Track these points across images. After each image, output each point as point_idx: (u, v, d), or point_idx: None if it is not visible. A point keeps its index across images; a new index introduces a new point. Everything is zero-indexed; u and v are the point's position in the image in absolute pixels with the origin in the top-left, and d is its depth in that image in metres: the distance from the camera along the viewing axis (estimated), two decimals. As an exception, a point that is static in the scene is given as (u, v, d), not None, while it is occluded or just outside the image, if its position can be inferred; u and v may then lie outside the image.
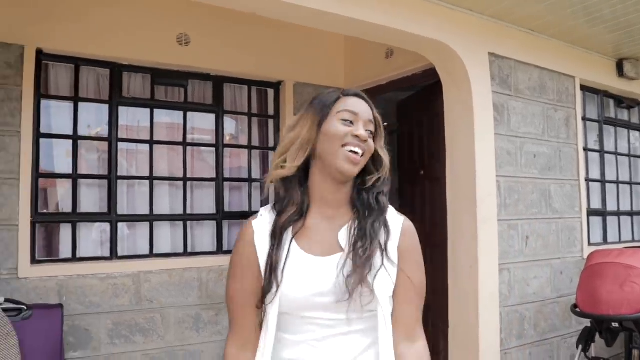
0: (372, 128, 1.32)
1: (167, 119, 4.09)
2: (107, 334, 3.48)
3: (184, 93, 4.02)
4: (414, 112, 4.50)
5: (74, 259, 3.53)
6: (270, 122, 4.44)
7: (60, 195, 3.64)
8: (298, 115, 1.37)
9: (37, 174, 3.41)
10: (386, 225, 1.31)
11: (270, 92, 4.45)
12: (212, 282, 3.85)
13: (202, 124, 4.22)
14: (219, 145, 4.13)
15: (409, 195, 4.54)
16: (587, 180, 4.46)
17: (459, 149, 3.56)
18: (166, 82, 3.92)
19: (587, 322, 3.50)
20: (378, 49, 4.23)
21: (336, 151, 1.25)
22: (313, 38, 4.20)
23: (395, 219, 1.35)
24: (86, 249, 3.64)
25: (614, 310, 3.15)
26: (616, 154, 4.90)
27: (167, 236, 3.95)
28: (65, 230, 3.57)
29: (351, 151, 1.25)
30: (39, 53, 3.41)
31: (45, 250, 3.55)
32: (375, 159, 1.34)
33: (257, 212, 1.35)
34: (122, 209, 3.77)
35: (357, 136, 1.26)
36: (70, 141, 3.59)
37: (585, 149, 4.45)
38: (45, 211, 3.55)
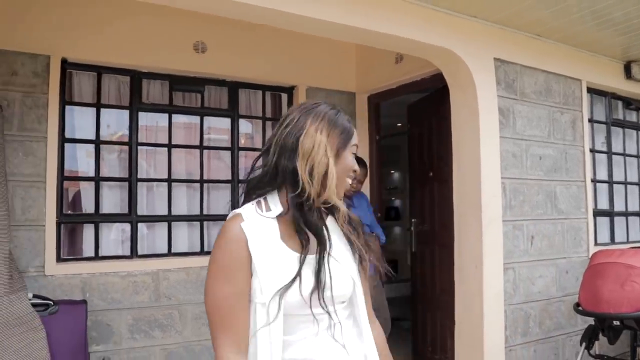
0: None
1: (184, 123, 4.26)
2: (128, 329, 3.65)
3: (201, 98, 4.18)
4: (424, 115, 4.62)
5: (97, 257, 3.71)
6: (284, 126, 4.55)
7: (84, 197, 3.82)
8: (311, 127, 1.31)
9: (62, 177, 3.60)
10: (350, 223, 1.42)
11: (284, 97, 4.59)
12: (228, 280, 3.98)
13: (218, 127, 4.38)
14: (234, 148, 4.28)
15: (419, 195, 4.66)
16: (594, 181, 4.53)
17: (464, 152, 3.67)
18: (184, 88, 4.08)
19: (592, 321, 3.58)
20: (388, 54, 4.36)
21: (343, 181, 1.36)
22: (325, 44, 4.32)
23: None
24: (108, 248, 3.83)
25: (614, 308, 3.24)
26: (624, 155, 4.96)
27: (185, 236, 4.11)
28: (88, 230, 3.75)
29: (349, 182, 1.38)
30: (64, 62, 3.59)
31: (69, 249, 3.72)
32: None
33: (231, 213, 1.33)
34: (142, 209, 3.94)
35: (355, 171, 1.38)
36: (93, 145, 3.77)
37: (592, 151, 4.53)
38: (69, 212, 3.73)
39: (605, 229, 4.71)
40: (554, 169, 4.07)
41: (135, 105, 3.90)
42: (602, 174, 4.73)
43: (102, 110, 3.82)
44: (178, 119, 4.17)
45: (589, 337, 3.58)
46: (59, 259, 3.52)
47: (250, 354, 1.23)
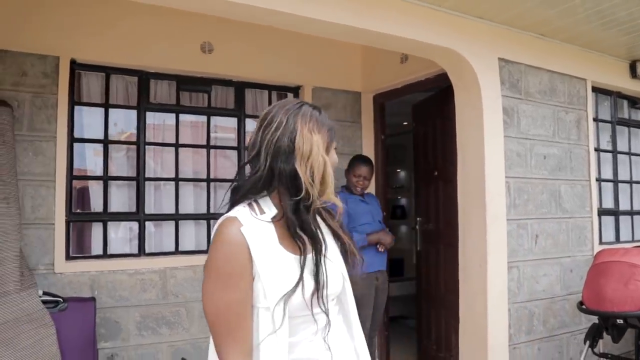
0: None
1: (191, 122, 4.30)
2: (136, 326, 3.69)
3: (208, 98, 4.22)
4: (428, 114, 4.64)
5: (105, 255, 3.76)
6: (290, 125, 4.59)
7: (92, 196, 3.88)
8: (300, 122, 1.32)
9: (71, 176, 3.66)
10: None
11: (290, 96, 4.62)
12: (234, 278, 4.03)
13: (224, 127, 4.42)
14: (240, 147, 4.32)
15: (424, 194, 4.68)
16: (599, 180, 4.54)
17: (469, 151, 3.70)
18: (190, 88, 4.12)
19: (596, 319, 3.58)
20: (393, 54, 4.38)
21: (333, 180, 1.37)
22: (331, 44, 4.34)
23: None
24: (116, 246, 3.88)
25: (617, 307, 3.26)
26: (629, 154, 4.97)
27: (192, 234, 4.16)
28: (96, 229, 3.80)
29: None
30: (73, 63, 3.64)
31: (78, 247, 3.78)
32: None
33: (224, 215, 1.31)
34: (150, 208, 3.98)
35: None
36: (102, 145, 3.83)
37: (597, 150, 4.54)
38: (78, 211, 3.79)
39: (611, 227, 4.72)
40: (559, 168, 4.08)
41: (143, 105, 3.95)
42: (608, 173, 4.74)
43: (110, 110, 3.87)
44: (185, 118, 4.21)
45: (593, 336, 3.59)
46: (68, 257, 3.58)
47: (256, 358, 1.22)
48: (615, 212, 4.73)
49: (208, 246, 4.05)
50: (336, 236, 1.43)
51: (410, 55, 4.25)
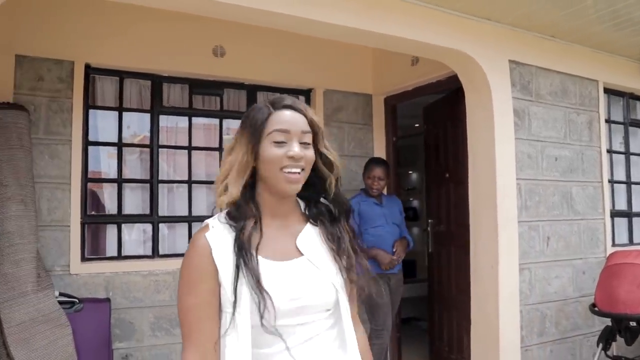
0: (308, 139, 1.32)
1: (204, 125, 4.34)
2: (150, 327, 3.73)
3: (220, 101, 4.26)
4: (439, 116, 4.65)
5: (119, 257, 3.81)
6: (301, 128, 4.63)
7: (107, 198, 3.93)
8: (235, 136, 1.35)
9: (86, 179, 3.71)
10: (345, 229, 1.40)
11: (301, 99, 4.63)
12: (246, 280, 4.06)
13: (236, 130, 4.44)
14: (252, 150, 4.34)
15: (435, 196, 4.69)
16: (611, 182, 4.52)
17: (479, 153, 3.70)
18: (203, 92, 4.17)
19: (609, 322, 3.57)
20: (404, 57, 4.39)
21: (275, 175, 1.28)
22: (342, 47, 4.37)
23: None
24: (130, 248, 3.93)
25: (631, 309, 3.25)
26: (643, 155, 4.93)
27: (205, 236, 4.18)
28: (111, 231, 3.86)
29: (289, 172, 1.27)
30: (87, 67, 3.70)
31: (93, 249, 3.83)
32: (324, 161, 1.36)
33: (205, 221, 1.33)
34: (163, 210, 4.03)
35: (292, 157, 1.27)
36: (116, 148, 3.88)
37: (610, 151, 4.52)
38: (93, 213, 3.84)
39: (624, 229, 4.68)
40: (570, 169, 4.07)
41: (156, 108, 4.00)
42: (620, 175, 4.71)
43: (124, 114, 3.92)
44: (198, 121, 4.25)
45: (605, 338, 3.58)
46: (84, 259, 3.63)
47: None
48: (628, 214, 4.70)
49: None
50: (335, 246, 1.36)
51: (421, 57, 4.26)
